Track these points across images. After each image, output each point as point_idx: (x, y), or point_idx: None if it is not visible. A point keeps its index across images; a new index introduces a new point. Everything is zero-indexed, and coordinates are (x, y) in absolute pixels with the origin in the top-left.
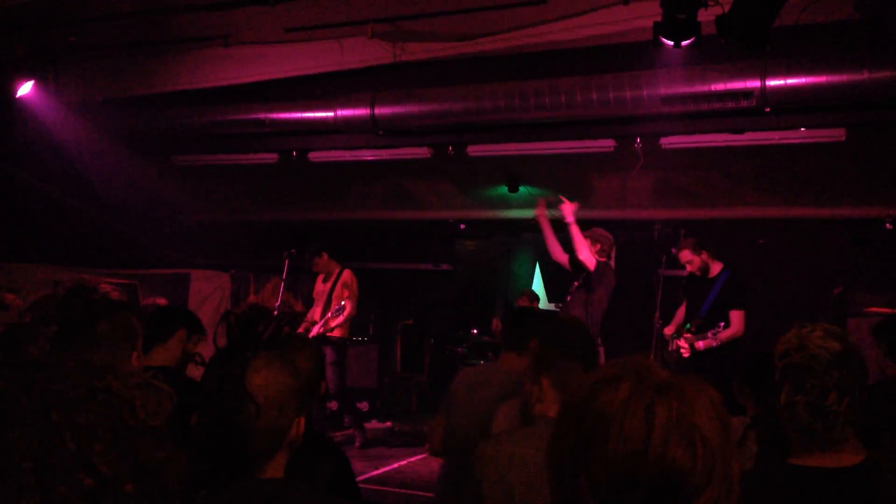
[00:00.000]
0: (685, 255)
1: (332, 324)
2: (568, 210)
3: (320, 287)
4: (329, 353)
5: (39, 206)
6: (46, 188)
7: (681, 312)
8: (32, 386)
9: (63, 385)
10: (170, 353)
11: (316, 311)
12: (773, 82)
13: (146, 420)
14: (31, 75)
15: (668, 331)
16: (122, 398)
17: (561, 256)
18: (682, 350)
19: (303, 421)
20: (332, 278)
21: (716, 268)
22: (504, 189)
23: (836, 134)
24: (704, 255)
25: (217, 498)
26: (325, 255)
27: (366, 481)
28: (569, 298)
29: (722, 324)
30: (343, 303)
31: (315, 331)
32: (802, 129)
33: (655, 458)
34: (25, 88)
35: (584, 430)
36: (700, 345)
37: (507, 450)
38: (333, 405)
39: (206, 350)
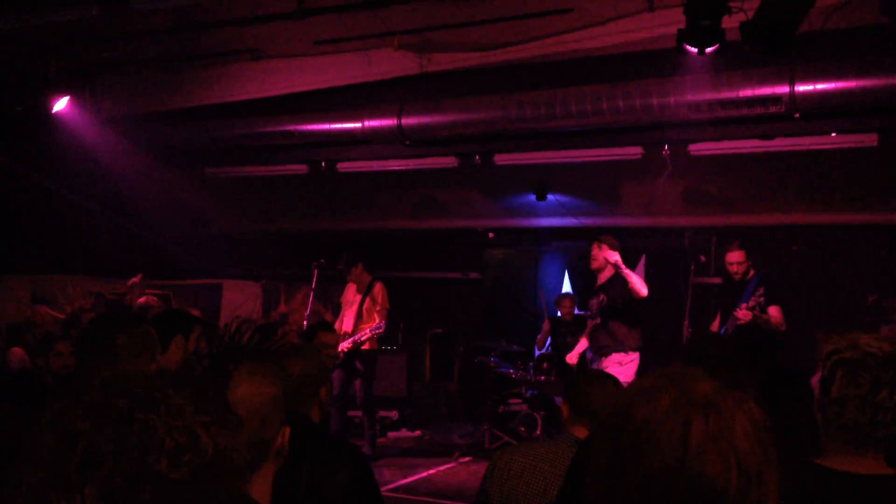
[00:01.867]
0: (738, 255)
1: (365, 337)
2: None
3: (350, 296)
4: (359, 366)
5: (75, 219)
6: (82, 201)
7: (716, 326)
8: (91, 392)
9: (124, 399)
10: (171, 359)
11: (347, 322)
12: (802, 87)
13: (166, 469)
14: (66, 91)
15: None
16: (156, 437)
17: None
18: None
19: (288, 430)
20: (364, 289)
21: (750, 272)
22: (532, 197)
23: (868, 139)
24: (750, 262)
25: None
26: (360, 266)
27: (395, 490)
28: (599, 321)
29: (761, 300)
30: (379, 322)
31: (346, 345)
32: (833, 134)
33: (690, 473)
34: (61, 104)
35: (623, 440)
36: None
37: (519, 461)
38: (359, 414)
39: None
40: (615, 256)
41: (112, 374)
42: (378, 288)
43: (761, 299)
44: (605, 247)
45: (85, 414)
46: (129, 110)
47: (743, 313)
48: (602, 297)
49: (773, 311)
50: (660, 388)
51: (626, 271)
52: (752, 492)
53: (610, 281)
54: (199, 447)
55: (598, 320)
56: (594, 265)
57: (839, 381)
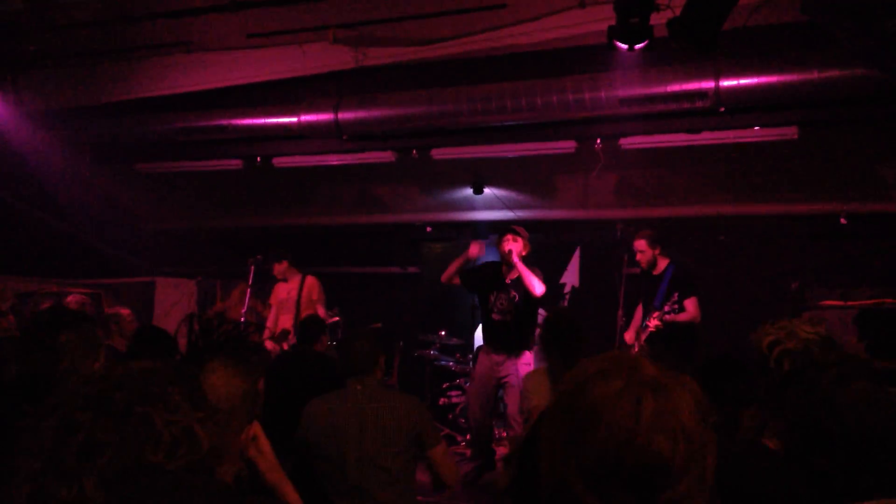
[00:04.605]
0: (640, 244)
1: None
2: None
3: (283, 294)
4: None
5: (0, 216)
6: (6, 198)
7: (638, 315)
8: (90, 384)
9: (123, 393)
10: None
11: (284, 320)
12: (726, 83)
13: (163, 461)
14: None
15: (629, 337)
16: (154, 430)
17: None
18: (651, 328)
19: (254, 427)
20: (296, 286)
21: (662, 264)
22: (469, 191)
23: (789, 132)
24: (657, 251)
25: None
26: (286, 263)
27: None
28: (509, 318)
29: (675, 306)
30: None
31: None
32: (756, 127)
33: (640, 446)
34: None
35: (578, 417)
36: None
37: (321, 406)
38: None
39: None
40: (518, 251)
41: (109, 367)
42: (312, 281)
43: (675, 305)
44: (520, 241)
45: (84, 405)
46: (55, 104)
47: (654, 323)
48: (513, 294)
49: (689, 305)
50: (611, 371)
51: (523, 267)
52: (695, 463)
53: (520, 278)
54: (195, 442)
55: (509, 318)
56: (513, 258)
57: (787, 371)
